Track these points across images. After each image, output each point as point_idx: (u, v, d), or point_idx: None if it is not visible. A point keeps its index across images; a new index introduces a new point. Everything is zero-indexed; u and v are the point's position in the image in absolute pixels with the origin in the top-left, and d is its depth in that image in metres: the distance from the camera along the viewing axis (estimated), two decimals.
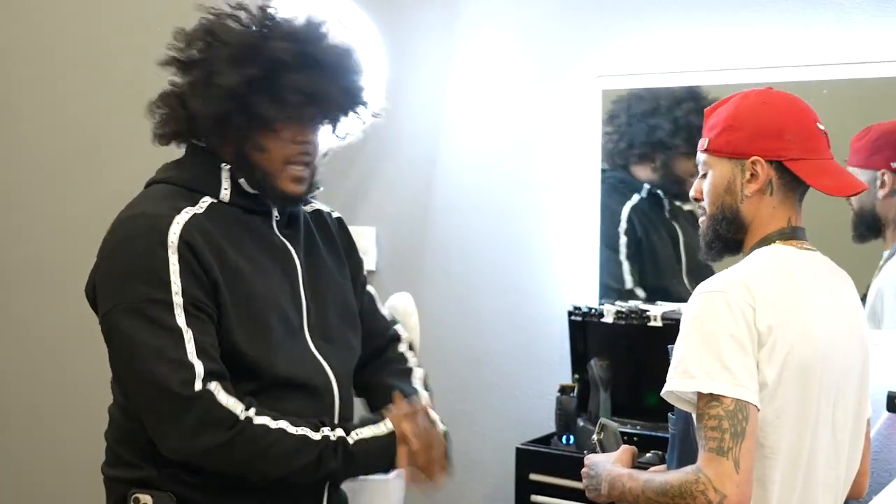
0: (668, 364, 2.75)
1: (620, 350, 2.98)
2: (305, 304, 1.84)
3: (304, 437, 1.69)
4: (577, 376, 3.04)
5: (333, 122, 1.83)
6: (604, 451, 1.93)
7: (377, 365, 2.05)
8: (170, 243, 1.67)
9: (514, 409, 3.26)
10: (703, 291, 1.66)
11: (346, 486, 2.05)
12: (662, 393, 1.69)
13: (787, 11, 2.83)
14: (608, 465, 1.80)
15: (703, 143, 1.78)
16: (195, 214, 1.73)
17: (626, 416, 2.96)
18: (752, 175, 1.71)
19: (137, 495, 1.74)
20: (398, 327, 2.15)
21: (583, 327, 3.02)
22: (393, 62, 3.35)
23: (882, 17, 2.71)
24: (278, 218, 1.84)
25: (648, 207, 3.11)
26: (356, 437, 1.73)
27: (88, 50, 3.55)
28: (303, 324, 1.83)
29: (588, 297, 3.11)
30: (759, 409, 1.60)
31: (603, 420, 1.97)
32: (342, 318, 1.93)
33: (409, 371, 2.05)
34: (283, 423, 1.69)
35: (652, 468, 1.87)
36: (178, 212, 1.71)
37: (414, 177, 3.41)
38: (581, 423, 2.93)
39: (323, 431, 1.71)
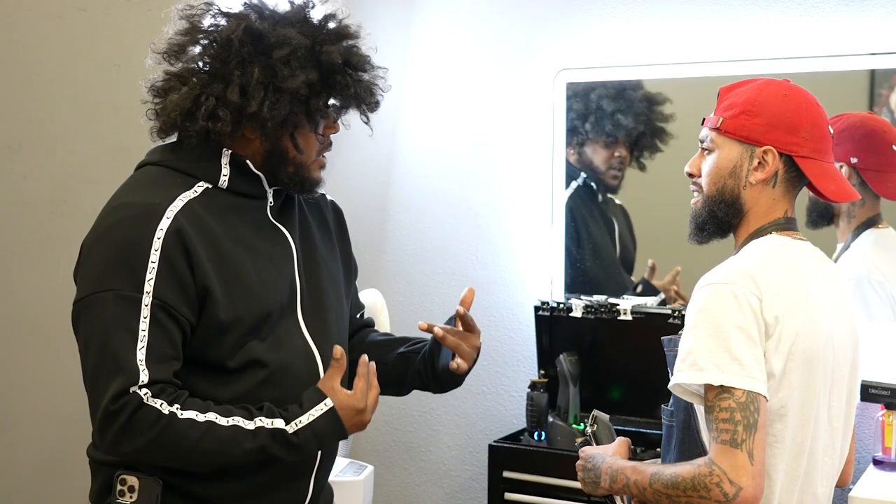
0: (651, 357, 2.79)
1: (588, 344, 2.98)
2: (300, 287, 1.83)
3: (237, 428, 1.67)
4: (542, 372, 3.03)
5: (360, 111, 1.87)
6: (598, 443, 1.91)
7: (372, 343, 2.05)
8: (156, 238, 1.66)
9: (479, 407, 3.23)
10: (709, 283, 1.63)
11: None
12: (670, 385, 1.67)
13: (752, 5, 2.86)
14: (607, 457, 1.78)
15: (714, 120, 1.74)
16: (189, 201, 1.71)
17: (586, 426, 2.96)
18: (759, 163, 1.70)
19: (124, 476, 1.72)
20: (371, 317, 2.16)
21: (549, 322, 3.01)
22: None
23: (847, 12, 2.76)
24: (272, 203, 1.83)
25: (585, 197, 3.12)
26: (299, 426, 1.71)
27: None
28: (296, 308, 1.82)
29: (545, 291, 3.10)
30: (767, 400, 1.60)
31: (595, 412, 1.95)
32: (336, 302, 1.92)
33: (415, 339, 2.06)
34: (211, 416, 1.67)
35: (649, 461, 1.86)
36: (172, 200, 1.70)
37: (371, 172, 3.36)
38: (551, 418, 2.92)
39: (258, 421, 1.69)
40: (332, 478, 1.98)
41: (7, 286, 2.62)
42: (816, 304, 1.68)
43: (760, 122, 1.69)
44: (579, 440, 1.99)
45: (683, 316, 2.74)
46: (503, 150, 3.20)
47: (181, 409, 1.66)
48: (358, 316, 2.09)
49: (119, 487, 1.73)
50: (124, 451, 1.67)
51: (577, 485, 2.70)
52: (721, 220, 1.74)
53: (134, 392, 1.62)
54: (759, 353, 1.60)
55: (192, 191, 1.73)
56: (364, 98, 1.80)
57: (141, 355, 1.63)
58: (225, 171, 1.76)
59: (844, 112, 2.63)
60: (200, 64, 1.76)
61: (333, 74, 1.75)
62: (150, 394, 1.64)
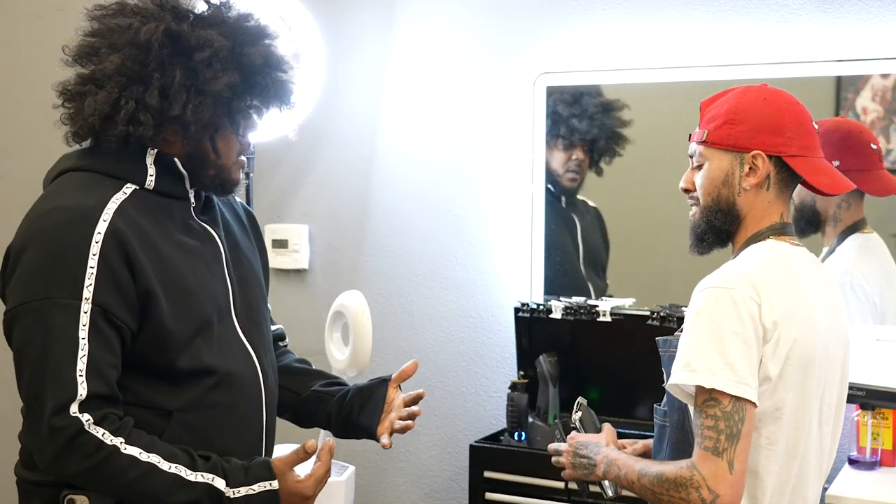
0: (630, 358, 2.84)
1: (568, 346, 3.00)
2: (231, 287, 1.82)
3: (177, 476, 1.64)
4: (522, 373, 3.05)
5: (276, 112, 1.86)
6: (585, 430, 1.95)
7: (290, 369, 2.06)
8: (94, 242, 1.61)
9: (459, 407, 3.25)
10: (708, 287, 1.65)
11: None
12: (666, 386, 1.70)
13: (731, 10, 2.90)
14: (602, 447, 1.82)
15: (700, 134, 1.77)
16: (122, 203, 1.67)
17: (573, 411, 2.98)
18: (751, 169, 1.72)
19: (72, 496, 1.68)
20: (281, 326, 2.15)
21: (529, 324, 3.03)
22: (330, 59, 3.30)
23: (822, 19, 2.79)
24: (194, 204, 1.81)
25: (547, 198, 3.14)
26: (238, 495, 1.68)
27: None
28: (230, 307, 1.81)
29: (524, 292, 3.12)
30: (756, 406, 1.62)
31: (580, 399, 1.98)
32: (262, 302, 1.92)
33: (331, 378, 2.09)
34: (154, 458, 1.64)
35: (632, 451, 1.89)
36: (105, 202, 1.66)
37: (350, 174, 3.36)
38: (531, 419, 2.93)
39: (199, 476, 1.66)
40: None
41: None
42: (813, 310, 1.70)
43: (745, 129, 1.72)
44: (559, 423, 2.02)
45: (662, 317, 2.81)
46: (483, 153, 3.21)
47: (125, 444, 1.62)
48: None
49: (69, 496, 1.68)
50: (65, 472, 1.63)
51: (558, 484, 2.75)
52: (719, 228, 1.76)
53: (75, 415, 1.58)
54: (753, 358, 1.62)
55: (121, 192, 1.69)
56: (283, 98, 1.80)
57: (81, 365, 1.59)
58: (151, 171, 1.73)
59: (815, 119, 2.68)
60: (116, 66, 1.69)
61: (254, 75, 1.73)
62: (91, 420, 1.60)
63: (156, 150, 1.73)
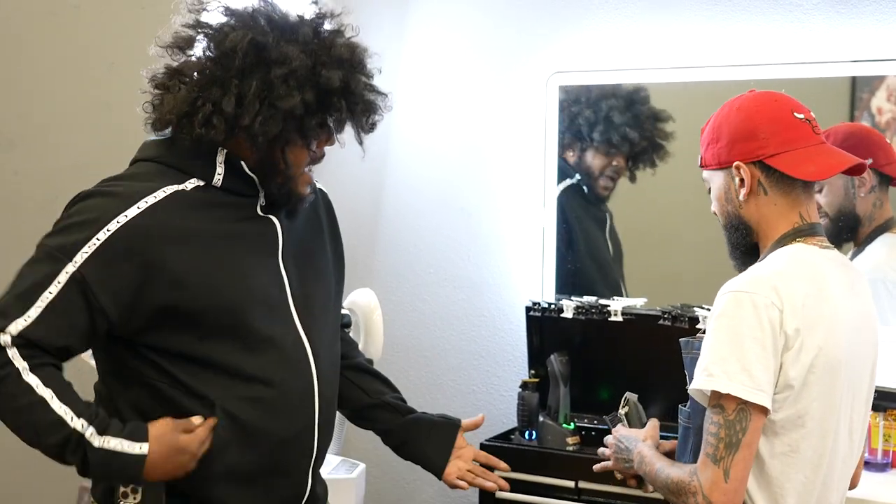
0: (642, 358, 2.83)
1: (579, 345, 2.99)
2: (287, 276, 1.82)
3: (59, 418, 1.63)
4: (533, 372, 3.05)
5: (356, 131, 1.87)
6: (630, 425, 1.98)
7: (363, 368, 2.09)
8: (113, 221, 1.66)
9: (470, 406, 3.25)
10: (731, 291, 1.63)
11: None
12: (690, 391, 1.69)
13: (744, 10, 2.89)
14: (639, 442, 1.84)
15: (698, 160, 1.79)
16: (174, 193, 1.71)
17: (584, 411, 2.98)
18: (740, 181, 1.71)
19: (125, 490, 1.72)
20: (347, 311, 2.20)
21: (540, 323, 3.02)
22: None
23: (836, 20, 2.78)
24: (263, 202, 1.82)
25: (576, 196, 3.15)
26: (101, 444, 1.65)
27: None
28: (287, 297, 1.81)
29: (536, 292, 3.12)
30: (769, 413, 1.61)
31: (628, 394, 2.01)
32: (325, 294, 1.92)
33: (396, 390, 2.12)
34: (48, 392, 1.63)
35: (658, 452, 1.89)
36: (153, 191, 1.70)
37: (363, 172, 3.36)
38: (542, 418, 2.93)
39: (80, 421, 1.64)
40: (324, 475, 2.00)
41: None
42: (840, 316, 1.67)
43: (724, 144, 1.72)
44: (607, 418, 2.04)
45: (674, 317, 2.81)
46: (496, 152, 3.21)
47: (28, 371, 1.63)
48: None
49: (122, 489, 1.72)
50: None
51: (568, 483, 2.75)
52: (739, 243, 1.76)
53: (4, 342, 1.61)
54: (771, 365, 1.60)
55: (182, 185, 1.73)
56: (360, 122, 1.80)
57: (33, 311, 1.62)
58: (220, 169, 1.76)
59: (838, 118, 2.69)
60: (201, 66, 1.73)
61: (330, 96, 1.74)
62: (10, 346, 1.62)
63: (226, 151, 1.76)
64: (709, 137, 1.76)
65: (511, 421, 3.09)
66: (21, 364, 1.63)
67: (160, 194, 1.70)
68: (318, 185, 2.01)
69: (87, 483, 1.82)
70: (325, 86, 1.73)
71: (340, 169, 3.38)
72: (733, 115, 1.72)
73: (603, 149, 3.12)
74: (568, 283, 3.14)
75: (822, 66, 2.78)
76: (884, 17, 2.74)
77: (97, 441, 1.64)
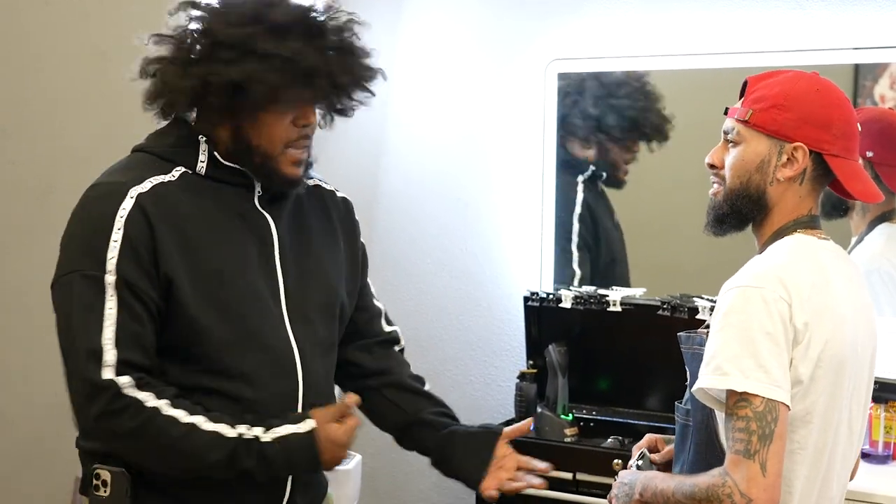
0: (640, 349, 2.80)
1: (577, 335, 2.97)
2: (281, 276, 1.80)
3: (217, 434, 1.66)
4: (531, 362, 3.03)
5: (333, 104, 1.82)
6: None
7: (403, 385, 2.02)
8: (118, 217, 1.66)
9: (468, 397, 3.23)
10: (737, 286, 1.58)
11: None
12: (693, 390, 1.63)
13: None
14: (641, 474, 1.75)
15: (743, 112, 1.66)
16: (160, 184, 1.71)
17: (582, 402, 2.96)
18: (788, 160, 1.64)
19: (98, 471, 1.71)
20: (396, 328, 2.09)
21: (538, 313, 3.00)
22: None
23: (837, 7, 2.75)
24: (261, 193, 1.80)
25: (592, 189, 3.11)
26: (273, 436, 1.68)
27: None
28: (280, 297, 1.79)
29: (534, 282, 3.09)
30: (789, 409, 1.56)
31: (644, 451, 1.88)
32: (322, 297, 1.87)
33: (441, 404, 2.04)
34: (197, 419, 1.66)
35: (660, 458, 1.85)
36: (140, 181, 1.70)
37: (360, 162, 3.34)
38: (540, 409, 2.91)
39: (238, 429, 1.67)
40: None
41: None
42: (843, 308, 1.64)
43: (792, 118, 1.63)
44: (618, 466, 1.96)
45: (673, 307, 2.78)
46: (493, 141, 3.18)
47: (169, 405, 1.65)
48: (375, 324, 2.04)
49: (94, 482, 1.71)
50: (103, 434, 1.66)
51: (566, 475, 2.73)
52: (744, 214, 1.68)
53: (109, 380, 1.61)
54: (785, 360, 1.56)
55: (169, 175, 1.73)
56: (326, 78, 1.73)
57: (109, 334, 1.62)
58: (202, 157, 1.75)
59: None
60: (172, 52, 1.73)
61: (284, 38, 1.68)
62: (128, 384, 1.62)
63: (206, 138, 1.76)
64: (774, 100, 1.64)
65: (509, 412, 3.07)
66: (159, 402, 1.63)
67: (146, 185, 1.70)
68: (341, 195, 1.99)
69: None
70: (274, 21, 1.68)
71: (336, 158, 3.36)
72: (814, 95, 1.64)
73: (603, 137, 3.09)
74: (567, 273, 3.11)
75: (824, 54, 2.74)
76: (886, 4, 2.71)
77: (268, 436, 1.67)
